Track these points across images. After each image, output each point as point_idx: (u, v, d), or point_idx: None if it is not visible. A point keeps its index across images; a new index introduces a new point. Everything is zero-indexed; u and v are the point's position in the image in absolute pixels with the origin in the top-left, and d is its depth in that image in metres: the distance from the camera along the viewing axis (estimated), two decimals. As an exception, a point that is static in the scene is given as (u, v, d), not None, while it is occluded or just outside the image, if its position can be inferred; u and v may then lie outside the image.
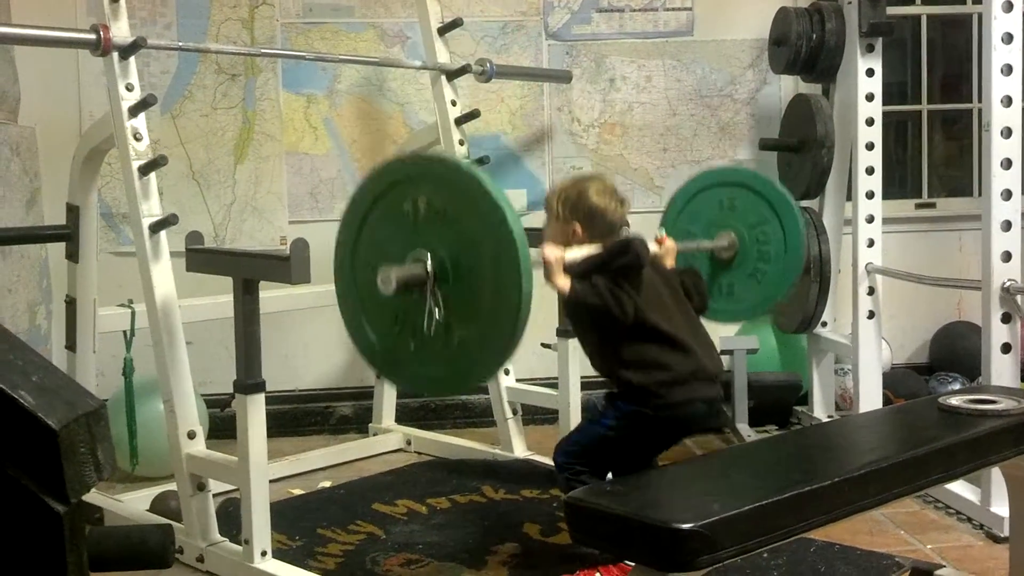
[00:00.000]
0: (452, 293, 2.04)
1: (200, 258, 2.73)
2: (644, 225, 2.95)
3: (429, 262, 2.04)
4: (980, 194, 3.10)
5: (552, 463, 2.66)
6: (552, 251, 2.40)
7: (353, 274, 2.22)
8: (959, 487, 3.04)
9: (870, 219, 3.64)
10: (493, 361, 2.08)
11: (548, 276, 2.38)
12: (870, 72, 3.66)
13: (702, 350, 2.49)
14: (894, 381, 4.05)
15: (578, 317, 2.53)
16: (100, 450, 0.85)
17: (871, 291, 3.63)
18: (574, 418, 3.39)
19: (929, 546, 2.84)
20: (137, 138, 2.78)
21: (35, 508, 0.80)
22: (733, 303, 3.06)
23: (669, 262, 2.69)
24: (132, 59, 2.80)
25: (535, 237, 3.24)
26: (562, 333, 3.44)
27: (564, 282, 2.37)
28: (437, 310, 2.02)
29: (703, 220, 3.07)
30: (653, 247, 2.65)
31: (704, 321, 2.64)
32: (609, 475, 2.51)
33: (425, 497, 3.30)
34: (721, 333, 4.15)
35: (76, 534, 0.83)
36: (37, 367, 0.86)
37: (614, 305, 2.35)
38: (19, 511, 0.80)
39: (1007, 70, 2.82)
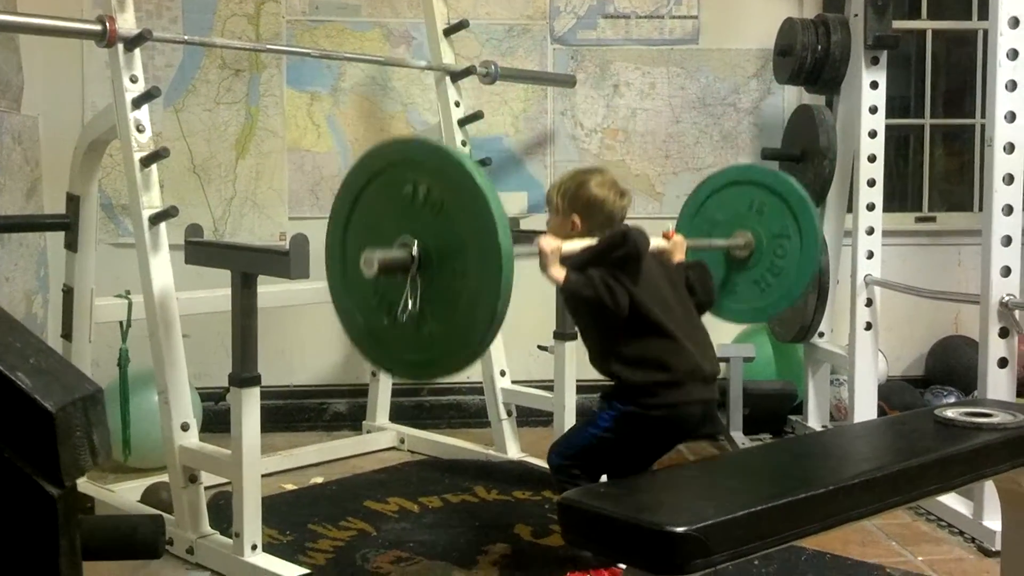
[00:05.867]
0: (430, 286, 2.02)
1: (199, 251, 2.73)
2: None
3: (415, 250, 2.01)
4: (980, 209, 3.11)
5: (547, 465, 2.64)
6: (548, 241, 2.36)
7: (343, 244, 2.19)
8: (952, 500, 3.04)
9: (870, 231, 3.65)
10: (454, 364, 2.06)
11: (543, 266, 2.34)
12: (874, 84, 3.67)
13: (700, 350, 2.47)
14: (889, 393, 4.06)
15: (576, 309, 2.52)
16: (96, 434, 0.85)
17: (869, 303, 3.63)
18: (568, 421, 3.39)
19: (920, 558, 2.84)
20: (140, 130, 2.78)
21: (29, 490, 0.79)
22: (735, 302, 3.04)
23: (678, 256, 2.66)
24: (137, 51, 2.80)
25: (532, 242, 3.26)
26: (558, 336, 3.44)
27: (559, 273, 2.33)
28: (411, 302, 2.00)
29: (728, 213, 3.03)
30: (660, 241, 2.61)
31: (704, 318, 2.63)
32: (603, 477, 2.50)
33: (417, 496, 3.30)
34: (719, 340, 4.15)
35: (69, 518, 0.82)
36: (35, 349, 0.86)
37: (607, 296, 2.32)
38: (12, 493, 0.79)
39: (1011, 86, 2.82)
